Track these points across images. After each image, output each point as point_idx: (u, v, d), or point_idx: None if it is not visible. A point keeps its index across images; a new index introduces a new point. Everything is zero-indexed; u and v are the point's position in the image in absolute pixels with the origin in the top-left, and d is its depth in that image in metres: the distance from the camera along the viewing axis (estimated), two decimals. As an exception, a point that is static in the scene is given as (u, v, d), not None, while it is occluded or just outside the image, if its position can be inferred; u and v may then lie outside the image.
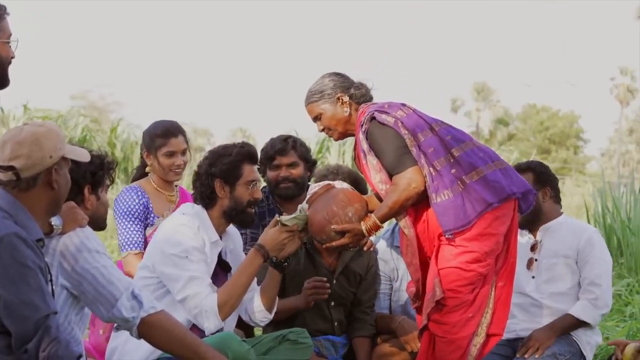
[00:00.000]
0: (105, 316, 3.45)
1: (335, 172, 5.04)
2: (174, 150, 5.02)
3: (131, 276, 4.44)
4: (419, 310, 4.37)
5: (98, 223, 3.70)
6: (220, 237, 4.35)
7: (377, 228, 4.26)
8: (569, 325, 4.89)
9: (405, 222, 4.28)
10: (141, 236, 4.96)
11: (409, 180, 4.15)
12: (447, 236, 4.14)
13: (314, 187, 4.46)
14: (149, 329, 3.49)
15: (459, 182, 4.15)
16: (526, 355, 4.77)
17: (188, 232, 4.19)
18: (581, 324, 4.90)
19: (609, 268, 5.04)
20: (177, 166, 5.04)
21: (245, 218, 4.37)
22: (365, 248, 5.09)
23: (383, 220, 4.24)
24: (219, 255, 4.36)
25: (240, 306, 4.32)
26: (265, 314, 4.41)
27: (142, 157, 5.14)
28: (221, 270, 4.38)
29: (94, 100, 49.36)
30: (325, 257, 5.05)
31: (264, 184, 5.25)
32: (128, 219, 4.96)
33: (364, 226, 4.23)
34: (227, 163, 4.29)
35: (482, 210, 4.12)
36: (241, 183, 4.31)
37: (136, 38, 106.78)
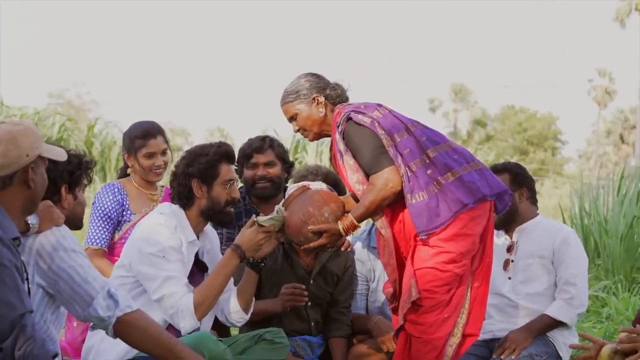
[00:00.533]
0: (81, 315, 3.44)
1: (315, 173, 5.05)
2: (153, 151, 5.03)
3: None
4: (395, 310, 4.38)
5: (74, 222, 3.70)
6: (198, 237, 4.34)
7: (354, 228, 4.26)
8: (545, 326, 4.90)
9: (381, 222, 4.28)
10: (106, 235, 5.01)
11: (386, 180, 4.16)
12: (421, 237, 4.15)
13: (290, 188, 4.47)
14: (124, 328, 3.49)
15: (434, 182, 4.16)
16: (502, 356, 4.77)
17: (165, 231, 4.18)
18: (558, 324, 4.91)
19: (585, 268, 5.05)
20: (157, 167, 5.06)
21: (224, 218, 4.37)
22: (342, 248, 5.09)
23: (360, 219, 4.25)
24: (196, 255, 4.35)
25: (216, 306, 4.32)
26: (241, 315, 4.41)
27: (123, 158, 5.16)
28: (198, 270, 4.37)
29: (71, 99, 49.02)
30: (302, 257, 5.05)
31: (241, 184, 5.25)
32: (99, 217, 5.01)
33: (341, 226, 4.24)
34: (204, 163, 4.28)
35: (458, 211, 4.13)
36: (218, 183, 4.30)
37: (114, 37, 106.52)
